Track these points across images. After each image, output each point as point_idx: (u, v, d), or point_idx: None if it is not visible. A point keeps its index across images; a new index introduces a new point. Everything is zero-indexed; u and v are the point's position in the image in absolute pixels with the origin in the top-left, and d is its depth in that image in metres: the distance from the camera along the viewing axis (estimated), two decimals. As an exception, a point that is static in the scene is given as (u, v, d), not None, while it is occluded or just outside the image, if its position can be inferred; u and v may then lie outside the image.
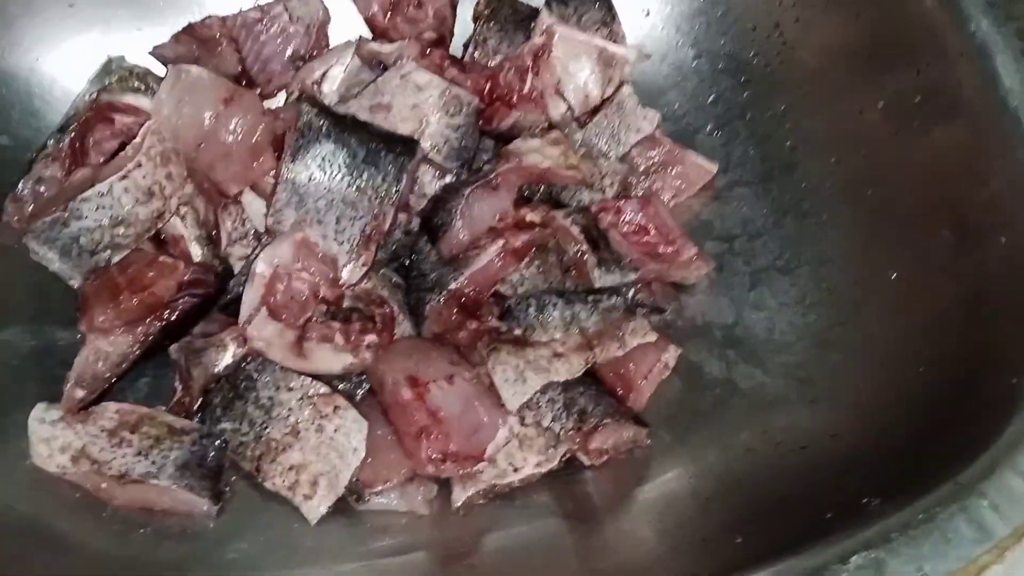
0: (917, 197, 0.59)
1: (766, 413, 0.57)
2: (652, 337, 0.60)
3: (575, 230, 0.60)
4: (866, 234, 0.62)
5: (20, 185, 0.60)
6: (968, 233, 0.54)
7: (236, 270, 0.61)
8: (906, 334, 0.55)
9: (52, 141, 0.62)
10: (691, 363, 0.61)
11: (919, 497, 0.40)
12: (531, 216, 0.62)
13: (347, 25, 0.71)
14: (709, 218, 0.69)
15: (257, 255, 0.57)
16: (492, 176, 0.62)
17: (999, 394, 0.44)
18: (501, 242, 0.60)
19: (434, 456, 0.53)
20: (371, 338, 0.57)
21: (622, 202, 0.64)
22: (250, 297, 0.56)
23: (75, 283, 0.58)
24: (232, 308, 0.58)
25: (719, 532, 0.50)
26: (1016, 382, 0.44)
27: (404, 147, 0.59)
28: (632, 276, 0.61)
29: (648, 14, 0.75)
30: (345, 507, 0.54)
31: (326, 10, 0.70)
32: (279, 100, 0.70)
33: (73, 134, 0.61)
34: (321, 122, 0.58)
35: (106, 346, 0.55)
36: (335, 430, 0.54)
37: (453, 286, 0.59)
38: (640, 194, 0.67)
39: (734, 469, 0.54)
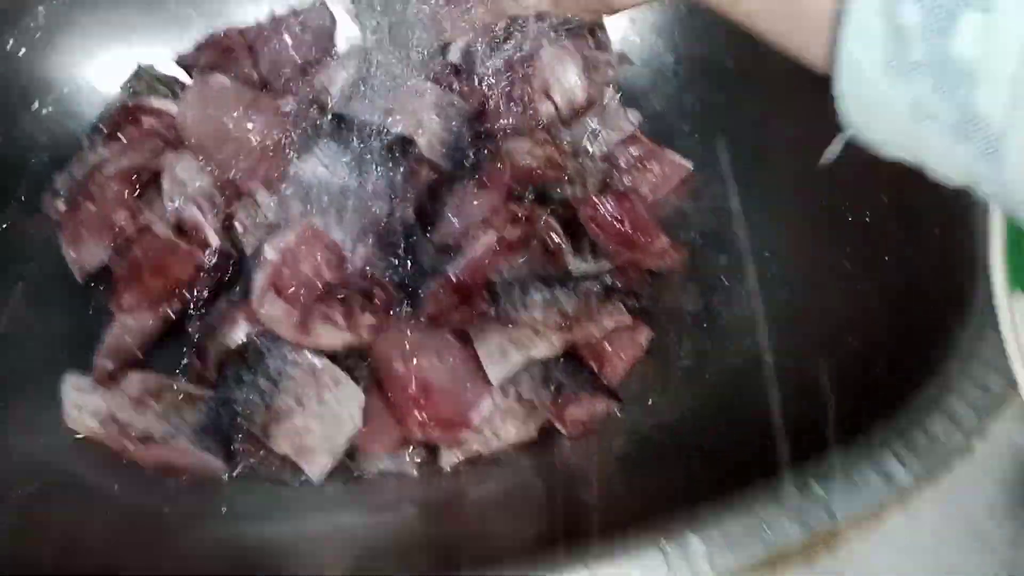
0: (872, 196, 0.64)
1: (729, 388, 0.63)
2: (627, 320, 0.65)
3: (554, 223, 0.66)
4: (826, 226, 0.67)
5: (56, 180, 0.67)
6: (912, 227, 0.60)
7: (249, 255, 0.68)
8: (853, 310, 0.61)
9: (86, 142, 0.68)
10: (663, 345, 0.67)
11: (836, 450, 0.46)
12: (518, 210, 0.68)
13: (352, 29, 0.78)
14: (685, 211, 0.75)
15: (267, 242, 0.63)
16: (483, 173, 0.68)
17: (919, 366, 0.50)
18: (495, 234, 0.65)
19: (423, 422, 0.60)
20: (369, 318, 0.63)
21: (600, 197, 0.69)
22: (260, 279, 0.62)
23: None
24: (245, 289, 0.64)
25: (674, 479, 0.56)
26: (931, 354, 0.49)
27: (402, 146, 0.66)
28: (607, 264, 0.67)
29: (633, 22, 0.80)
30: (343, 468, 0.60)
31: (333, 18, 0.77)
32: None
33: (105, 133, 0.68)
34: (325, 123, 0.64)
35: (132, 323, 0.62)
36: (335, 400, 0.61)
37: (449, 272, 0.65)
38: (619, 190, 0.73)
39: (692, 428, 0.59)
